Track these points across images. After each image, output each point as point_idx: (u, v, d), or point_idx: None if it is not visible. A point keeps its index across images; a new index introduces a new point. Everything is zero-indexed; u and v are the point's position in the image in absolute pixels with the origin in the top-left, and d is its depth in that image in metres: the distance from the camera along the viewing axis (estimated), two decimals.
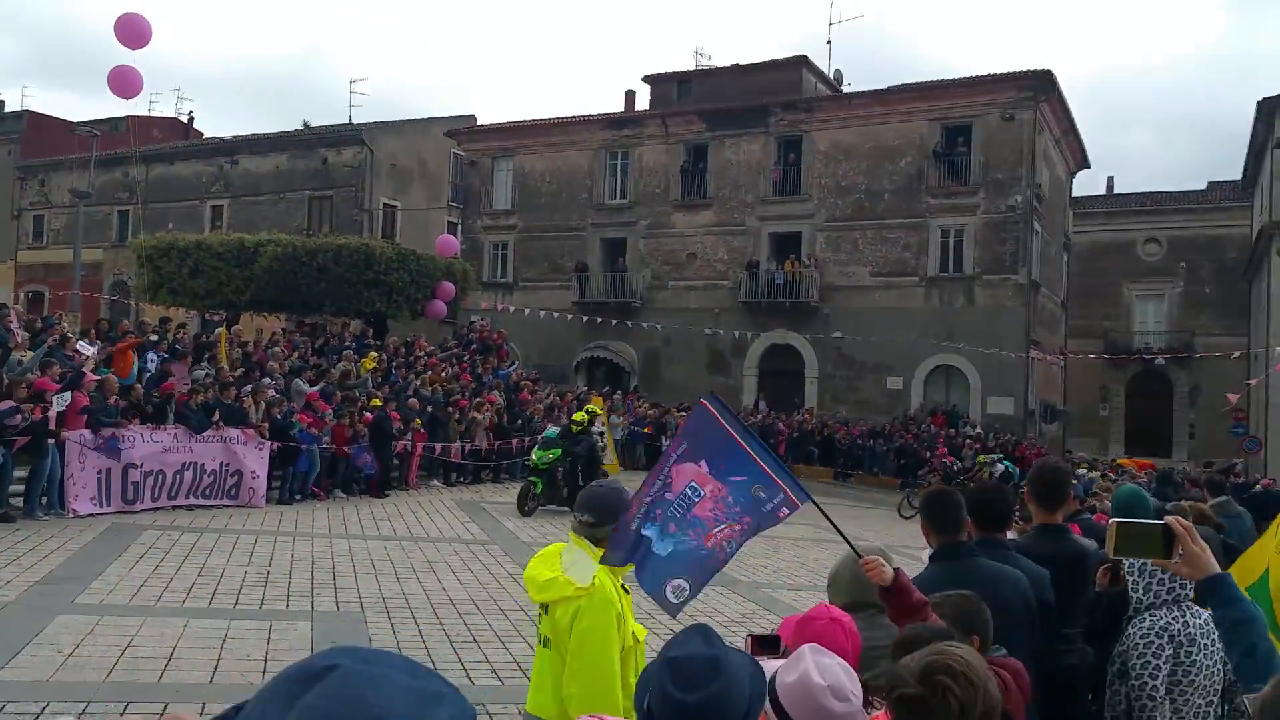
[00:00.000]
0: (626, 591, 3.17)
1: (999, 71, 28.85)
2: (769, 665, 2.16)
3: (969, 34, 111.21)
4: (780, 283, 30.28)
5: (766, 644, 2.48)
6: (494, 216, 35.03)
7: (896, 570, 2.84)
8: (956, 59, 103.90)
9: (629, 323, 30.63)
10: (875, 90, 30.23)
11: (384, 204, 36.61)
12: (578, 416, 16.41)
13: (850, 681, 2.07)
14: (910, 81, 30.50)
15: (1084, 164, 35.29)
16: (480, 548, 11.93)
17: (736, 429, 2.93)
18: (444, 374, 20.36)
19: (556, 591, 3.00)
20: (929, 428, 26.67)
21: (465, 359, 23.08)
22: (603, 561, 3.00)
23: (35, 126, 42.83)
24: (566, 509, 13.55)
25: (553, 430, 16.42)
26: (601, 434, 18.12)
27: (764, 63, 33.04)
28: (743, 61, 33.91)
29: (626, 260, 32.81)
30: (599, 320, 30.33)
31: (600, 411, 17.11)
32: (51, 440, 11.56)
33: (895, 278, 29.01)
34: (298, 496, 14.35)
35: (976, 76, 29.24)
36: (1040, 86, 27.88)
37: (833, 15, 46.68)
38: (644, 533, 2.92)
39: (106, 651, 6.56)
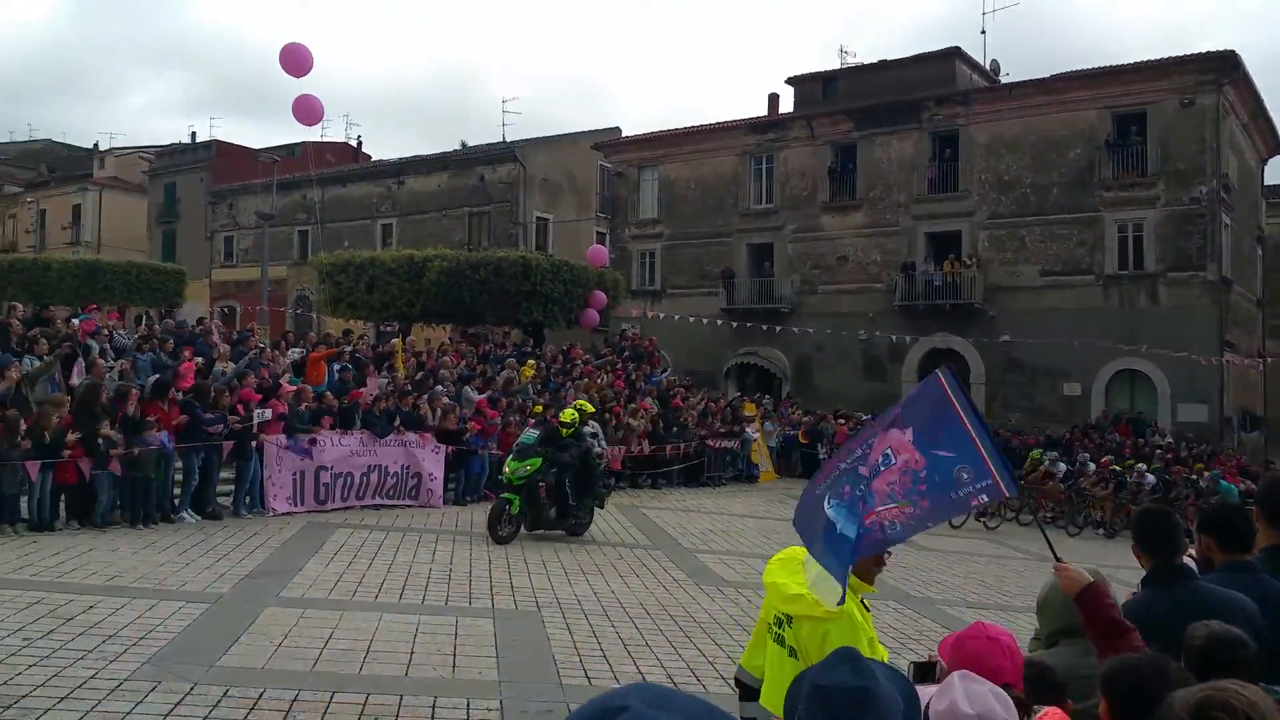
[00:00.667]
0: (868, 609, 3.07)
1: (1175, 55, 27.25)
2: (925, 692, 2.08)
3: (1135, 18, 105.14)
4: (939, 284, 29.48)
5: (923, 671, 2.41)
6: (641, 225, 35.58)
7: (1092, 582, 2.71)
8: (1122, 45, 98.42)
9: (778, 328, 30.50)
10: (1038, 79, 29.01)
11: (536, 217, 37.81)
12: (566, 415, 12.79)
13: (1003, 708, 1.98)
14: (1076, 69, 29.12)
15: (1277, 150, 32.85)
16: (644, 552, 12.22)
17: (964, 407, 2.76)
18: (600, 381, 20.88)
19: (804, 609, 2.90)
20: (1114, 437, 24.89)
21: (619, 366, 23.61)
22: (811, 553, 2.92)
23: (223, 154, 46.34)
24: (558, 531, 12.38)
25: (530, 435, 12.64)
26: (595, 435, 15.45)
27: (914, 56, 32.25)
28: (890, 57, 33.23)
29: (774, 265, 32.68)
30: (748, 326, 30.32)
31: (591, 409, 14.08)
32: (253, 443, 12.61)
33: (1068, 276, 27.65)
34: (469, 498, 15.07)
35: (1150, 61, 27.65)
36: (1222, 68, 26.13)
37: (986, 4, 44.73)
38: (832, 517, 2.83)
39: (311, 643, 7.12)
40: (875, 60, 33.58)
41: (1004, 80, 32.19)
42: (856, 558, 2.78)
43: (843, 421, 24.48)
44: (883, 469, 2.78)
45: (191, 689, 5.83)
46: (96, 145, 56.00)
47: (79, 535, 10.71)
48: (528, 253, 28.36)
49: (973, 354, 28.74)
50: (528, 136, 39.07)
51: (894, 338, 29.10)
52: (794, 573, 2.98)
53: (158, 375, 13.08)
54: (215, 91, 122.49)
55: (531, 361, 20.77)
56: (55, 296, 25.59)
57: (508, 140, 39.28)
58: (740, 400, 25.17)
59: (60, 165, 55.50)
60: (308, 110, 16.05)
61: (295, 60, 15.24)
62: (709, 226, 33.90)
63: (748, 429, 22.24)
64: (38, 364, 12.19)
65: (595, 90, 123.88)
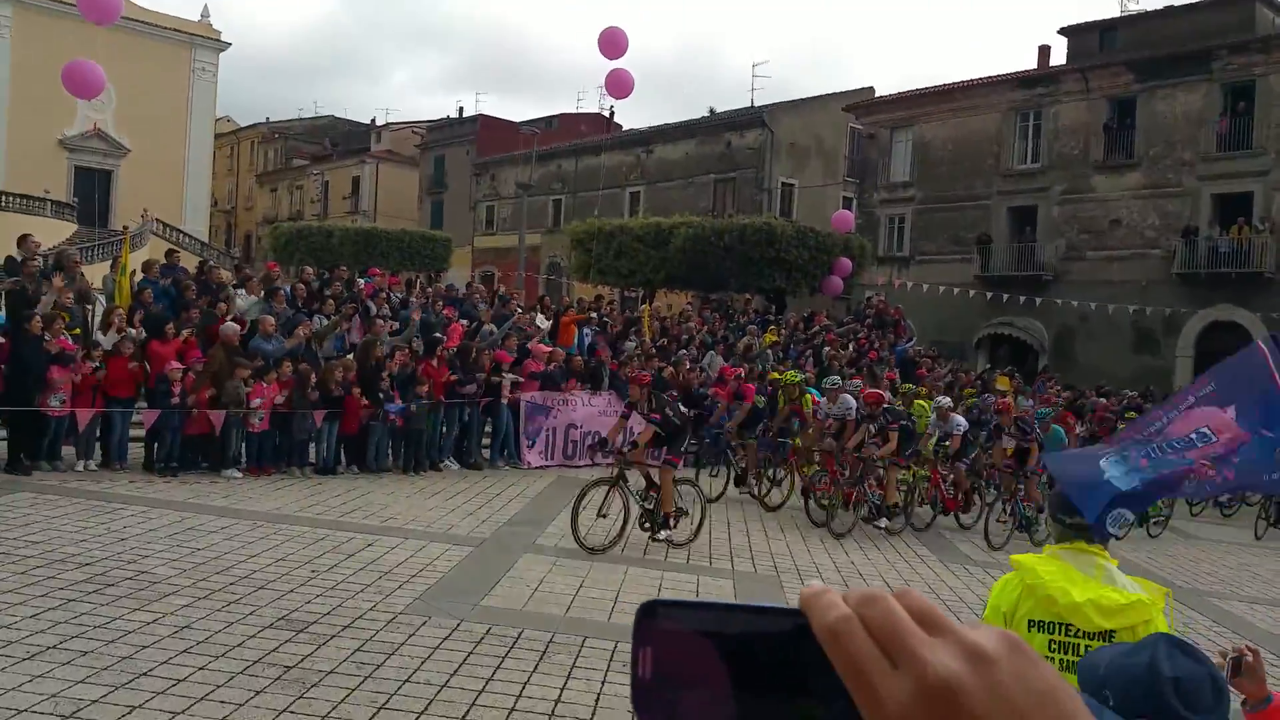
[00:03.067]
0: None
1: None
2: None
3: None
4: (1224, 251, 26.53)
5: (1235, 666, 2.34)
6: (891, 189, 34.34)
7: None
8: None
9: (1038, 298, 28.60)
10: None
11: (782, 183, 37.42)
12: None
13: None
14: None
15: None
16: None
17: None
18: (844, 350, 20.45)
19: (1138, 615, 2.73)
20: None
21: (861, 334, 23.01)
22: (1088, 520, 2.75)
23: (487, 128, 49.14)
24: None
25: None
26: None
27: (1206, 1, 28.94)
28: (1177, 2, 30.02)
29: (1037, 230, 30.58)
30: (1004, 295, 28.64)
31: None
32: (504, 401, 13.45)
33: None
34: (708, 462, 15.27)
35: None
36: None
37: None
38: (1105, 468, 2.70)
39: (564, 589, 7.53)
40: (1161, 6, 30.47)
41: None
42: (1156, 499, 2.67)
43: (1104, 399, 22.64)
44: (1200, 446, 2.55)
45: (458, 625, 6.32)
46: (374, 121, 60.95)
47: (358, 479, 11.84)
48: (772, 219, 28.17)
49: (1260, 329, 25.56)
50: (776, 100, 38.67)
51: (1170, 309, 26.55)
52: (1092, 586, 2.74)
53: (433, 335, 14.13)
54: (470, 68, 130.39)
55: (773, 328, 20.67)
56: (337, 261, 28.10)
57: (756, 105, 39.06)
58: (992, 373, 23.87)
59: (342, 140, 60.82)
60: (619, 84, 16.88)
61: (612, 42, 16.14)
62: (965, 189, 32.20)
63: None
64: (325, 322, 13.51)
65: (838, 54, 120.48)
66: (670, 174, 39.90)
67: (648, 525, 9.40)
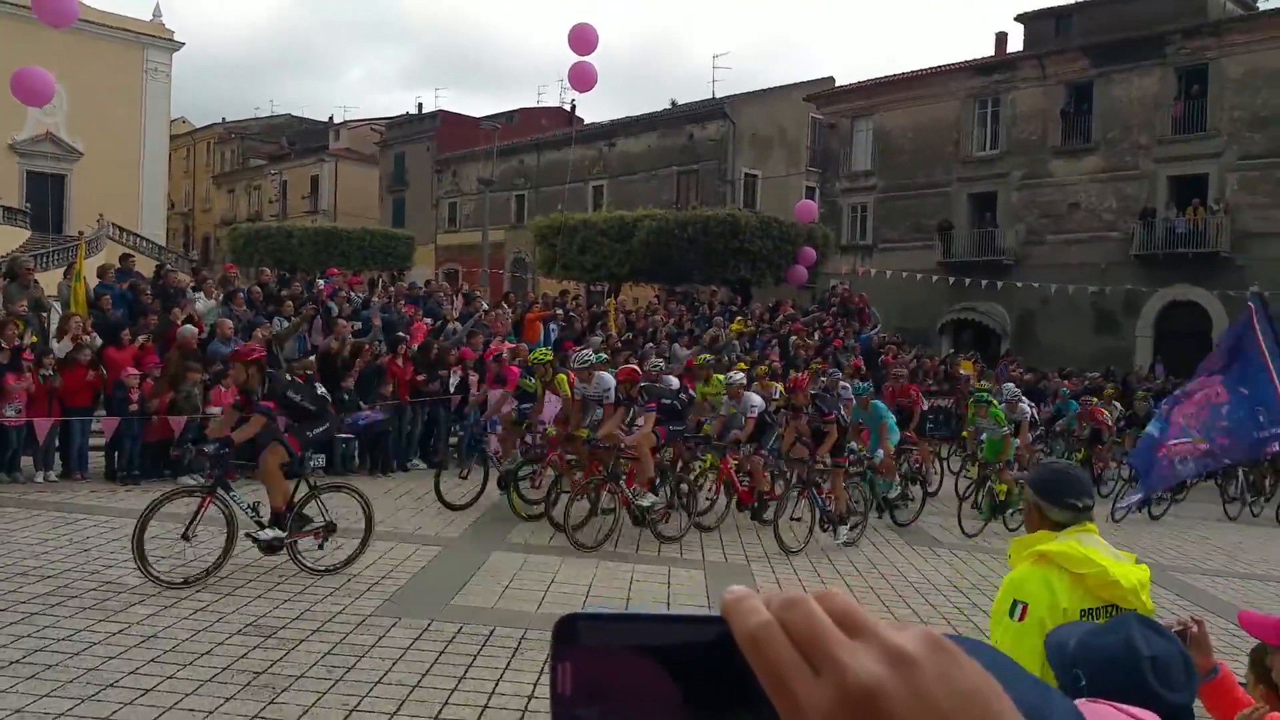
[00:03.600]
0: None
1: None
2: None
3: None
4: (1181, 231, 26.99)
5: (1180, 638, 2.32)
6: (853, 179, 34.55)
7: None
8: None
9: (999, 282, 28.93)
10: None
11: (745, 174, 37.51)
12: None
13: None
14: None
15: None
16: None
17: (1268, 338, 2.54)
18: (810, 339, 20.59)
19: (1144, 582, 2.70)
20: None
21: (826, 323, 23.17)
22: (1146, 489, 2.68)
23: (447, 124, 48.75)
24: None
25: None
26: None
27: None
28: None
29: (997, 215, 30.94)
30: (966, 281, 28.95)
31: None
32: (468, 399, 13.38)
33: None
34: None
35: None
36: None
37: None
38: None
39: (535, 586, 7.52)
40: None
41: (1262, 7, 28.79)
42: (1148, 492, 2.62)
43: (1066, 379, 22.98)
44: (1181, 401, 2.58)
45: (429, 625, 6.29)
46: (331, 119, 60.25)
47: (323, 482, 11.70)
48: (736, 210, 28.25)
49: (1216, 307, 26.20)
50: (737, 92, 38.73)
51: (1129, 288, 26.98)
52: (1118, 564, 2.70)
53: (396, 335, 14.03)
54: (428, 64, 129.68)
55: (740, 319, 20.77)
56: (297, 262, 27.75)
57: (717, 96, 39.09)
58: (955, 358, 24.14)
59: (300, 138, 60.03)
60: (582, 78, 16.91)
61: (582, 40, 16.22)
62: (925, 177, 32.49)
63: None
64: (286, 324, 13.37)
65: (798, 44, 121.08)
66: (633, 167, 39.84)
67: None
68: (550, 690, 0.50)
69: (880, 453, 10.97)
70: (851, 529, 10.00)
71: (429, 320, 15.36)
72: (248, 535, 7.25)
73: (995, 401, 12.50)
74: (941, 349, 28.80)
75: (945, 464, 15.04)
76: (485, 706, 5.01)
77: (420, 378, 13.13)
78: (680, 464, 10.76)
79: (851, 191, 34.54)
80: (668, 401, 10.16)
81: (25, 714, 4.52)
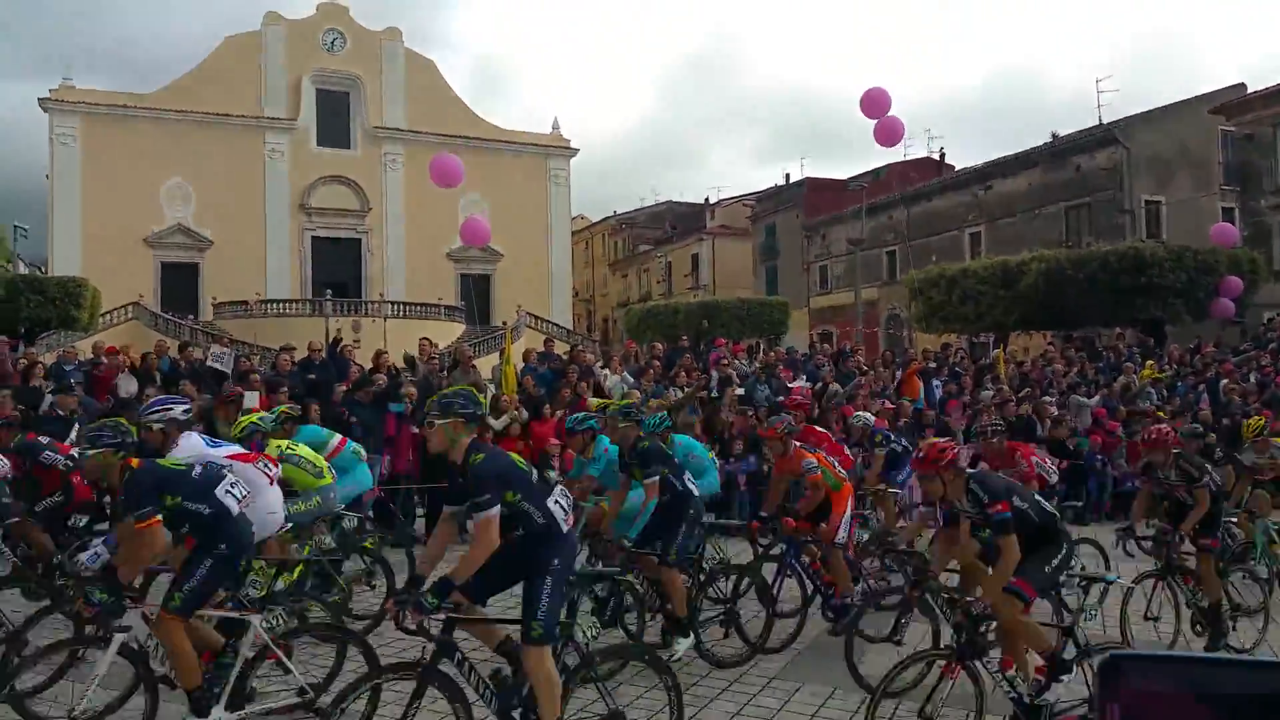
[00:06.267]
0: None
1: None
2: None
3: None
4: None
5: None
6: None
7: None
8: None
9: None
10: None
11: (1145, 201, 34.06)
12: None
13: None
14: None
15: None
16: None
17: None
18: (1245, 381, 18.00)
19: None
20: None
21: (1265, 364, 20.08)
22: None
23: (814, 189, 49.72)
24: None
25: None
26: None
27: None
28: None
29: None
30: None
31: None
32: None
33: None
34: (1090, 517, 14.00)
35: None
36: None
37: None
38: None
39: None
40: None
41: None
42: None
43: None
44: None
45: None
46: (706, 199, 63.83)
47: None
48: (1139, 243, 25.73)
49: None
50: (1126, 114, 35.51)
51: None
52: None
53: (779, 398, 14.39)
54: (784, 137, 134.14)
55: (1151, 363, 18.69)
56: (683, 334, 29.43)
57: (1104, 123, 36.11)
58: None
59: (680, 221, 64.30)
60: (890, 133, 16.72)
61: (875, 103, 16.19)
62: None
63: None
64: (680, 394, 14.21)
65: (1186, 51, 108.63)
66: (1012, 208, 37.78)
67: None
68: None
69: None
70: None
71: (807, 383, 15.52)
72: None
73: None
74: None
75: None
76: None
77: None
78: None
79: None
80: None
81: None
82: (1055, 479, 9.51)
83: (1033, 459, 8.72)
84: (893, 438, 10.01)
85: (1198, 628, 6.91)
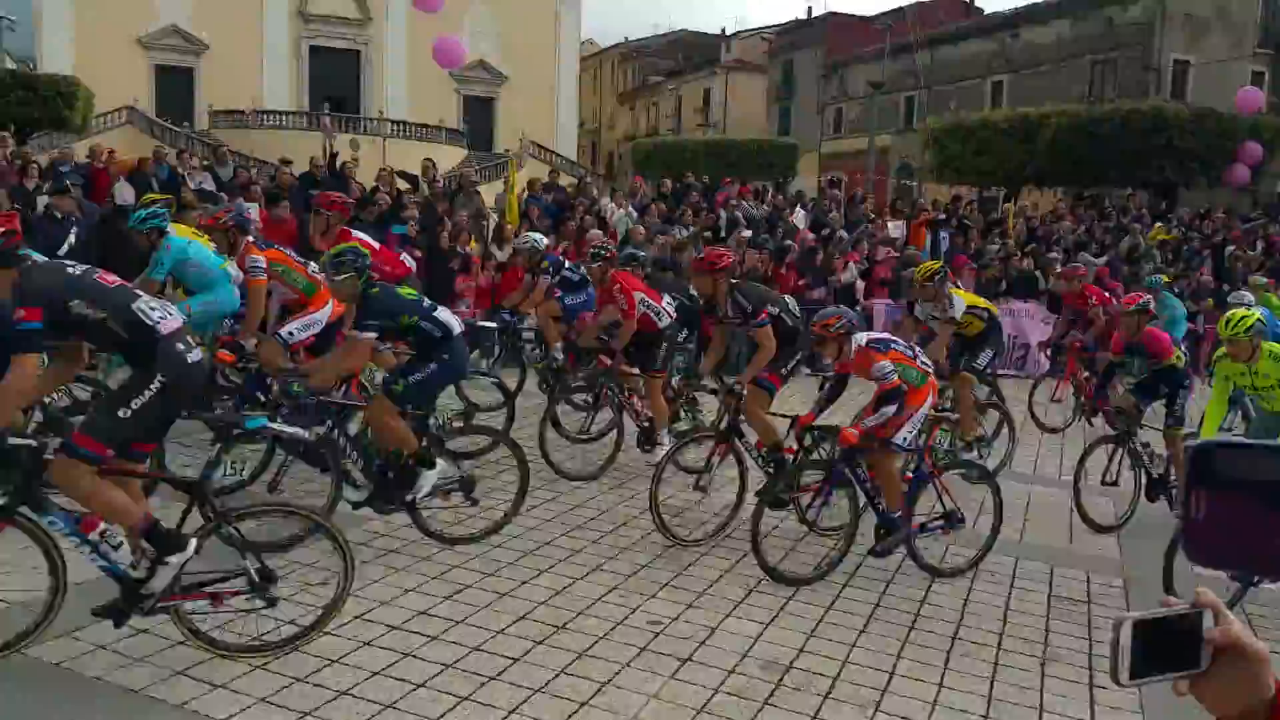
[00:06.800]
0: None
1: None
2: None
3: None
4: None
5: None
6: None
7: None
8: None
9: None
10: None
11: (1174, 60, 32.87)
12: None
13: None
14: None
15: None
16: None
17: None
18: (1251, 250, 17.87)
19: None
20: None
21: (1275, 230, 19.89)
22: None
23: (836, 27, 47.66)
24: None
25: None
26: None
27: None
28: None
29: None
30: None
31: None
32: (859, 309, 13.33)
33: None
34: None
35: None
36: None
37: None
38: None
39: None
40: None
41: None
42: None
43: None
44: None
45: None
46: (724, 30, 61.30)
47: None
48: (1162, 102, 24.98)
49: None
50: None
51: None
52: None
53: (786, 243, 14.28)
54: None
55: (1159, 225, 18.50)
56: (690, 172, 28.94)
57: None
58: None
59: (693, 52, 61.76)
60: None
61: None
62: None
63: None
64: (684, 234, 14.07)
65: None
66: (1039, 59, 36.44)
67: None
68: (1182, 513, 0.54)
69: None
70: None
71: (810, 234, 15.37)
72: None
73: None
74: None
75: None
76: None
77: (802, 283, 13.32)
78: None
79: None
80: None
81: None
82: None
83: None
84: None
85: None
